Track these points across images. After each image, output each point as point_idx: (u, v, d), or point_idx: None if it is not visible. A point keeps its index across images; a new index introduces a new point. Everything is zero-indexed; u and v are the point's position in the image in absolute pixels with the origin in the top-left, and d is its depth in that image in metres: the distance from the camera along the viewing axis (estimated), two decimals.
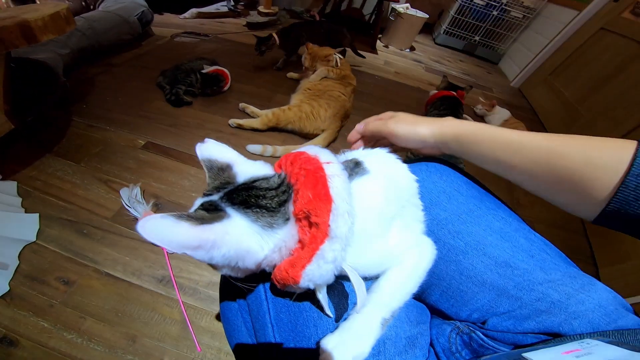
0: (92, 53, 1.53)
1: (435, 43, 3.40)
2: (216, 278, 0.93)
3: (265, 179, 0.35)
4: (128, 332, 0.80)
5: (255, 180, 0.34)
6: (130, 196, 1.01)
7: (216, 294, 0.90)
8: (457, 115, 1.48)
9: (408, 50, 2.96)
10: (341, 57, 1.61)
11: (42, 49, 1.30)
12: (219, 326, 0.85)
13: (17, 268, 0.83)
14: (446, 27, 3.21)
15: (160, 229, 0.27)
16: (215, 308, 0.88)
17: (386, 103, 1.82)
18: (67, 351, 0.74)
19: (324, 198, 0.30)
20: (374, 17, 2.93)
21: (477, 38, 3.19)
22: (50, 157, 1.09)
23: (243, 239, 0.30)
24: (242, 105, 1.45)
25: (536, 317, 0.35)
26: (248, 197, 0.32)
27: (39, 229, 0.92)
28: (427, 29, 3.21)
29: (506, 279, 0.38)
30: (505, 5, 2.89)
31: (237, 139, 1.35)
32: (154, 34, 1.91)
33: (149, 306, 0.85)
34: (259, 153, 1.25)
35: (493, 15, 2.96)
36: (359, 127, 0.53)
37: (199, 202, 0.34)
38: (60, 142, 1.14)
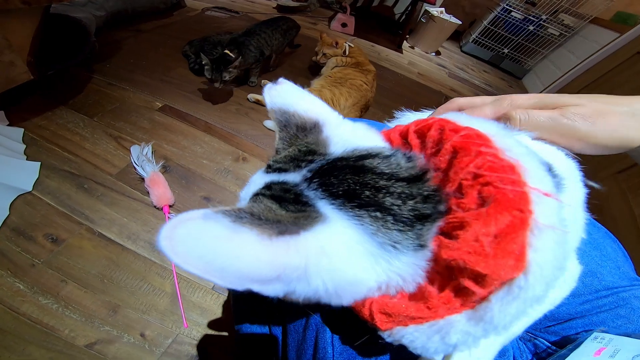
0: (124, 17, 1.41)
1: (462, 50, 3.14)
2: None
3: (385, 157, 0.19)
4: (111, 301, 0.64)
5: (366, 156, 0.19)
6: (140, 154, 0.86)
7: None
8: None
9: (433, 54, 2.73)
10: (351, 45, 1.42)
11: (80, 8, 1.20)
12: (210, 303, 0.69)
13: (5, 219, 0.69)
14: (476, 36, 2.93)
15: (203, 246, 0.13)
16: (210, 283, 0.71)
17: (407, 101, 1.66)
18: (38, 318, 0.60)
19: (512, 266, 0.14)
20: (404, 16, 2.69)
21: (505, 50, 2.88)
22: (63, 109, 0.96)
23: (349, 263, 0.16)
24: (264, 81, 1.30)
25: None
26: (359, 187, 0.17)
27: (37, 179, 0.77)
28: (455, 35, 2.95)
29: (588, 287, 0.29)
30: (544, 21, 2.57)
31: (256, 113, 1.19)
32: (186, 6, 1.77)
33: (139, 274, 0.69)
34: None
35: (528, 29, 2.65)
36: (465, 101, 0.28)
37: (260, 179, 0.20)
38: (76, 97, 1.01)
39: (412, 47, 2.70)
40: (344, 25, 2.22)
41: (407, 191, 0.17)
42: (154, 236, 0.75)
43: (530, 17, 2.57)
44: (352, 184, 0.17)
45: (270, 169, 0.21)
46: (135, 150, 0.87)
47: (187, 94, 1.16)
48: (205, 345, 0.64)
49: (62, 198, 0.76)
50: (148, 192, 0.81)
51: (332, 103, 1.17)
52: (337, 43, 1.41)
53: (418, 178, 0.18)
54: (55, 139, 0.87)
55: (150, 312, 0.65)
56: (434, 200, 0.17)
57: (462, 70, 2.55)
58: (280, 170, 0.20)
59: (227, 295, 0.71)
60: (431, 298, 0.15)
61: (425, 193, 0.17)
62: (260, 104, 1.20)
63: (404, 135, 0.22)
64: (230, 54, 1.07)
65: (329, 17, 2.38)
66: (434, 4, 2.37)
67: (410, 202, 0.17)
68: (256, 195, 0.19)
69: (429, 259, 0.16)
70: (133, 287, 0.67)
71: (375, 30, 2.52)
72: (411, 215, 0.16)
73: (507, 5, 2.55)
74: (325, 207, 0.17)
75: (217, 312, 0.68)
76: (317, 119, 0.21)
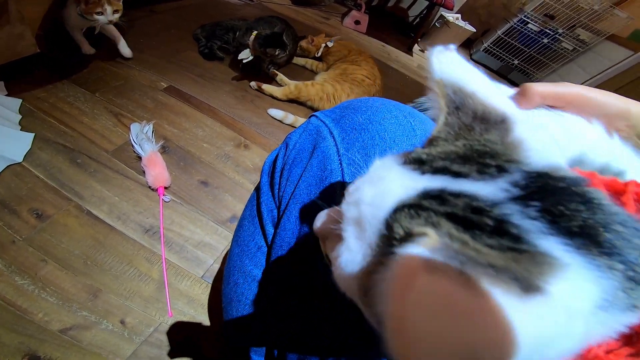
0: None
1: (471, 58, 3.01)
2: (209, 238, 0.69)
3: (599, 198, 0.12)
4: (92, 284, 0.58)
5: (581, 182, 0.12)
6: (140, 132, 0.79)
7: (205, 255, 0.66)
8: None
9: None
10: (329, 45, 1.38)
11: None
12: (198, 292, 0.62)
13: None
14: (488, 45, 2.81)
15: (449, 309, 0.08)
16: (199, 272, 0.63)
17: (410, 101, 1.53)
18: (12, 299, 0.53)
19: None
20: (418, 19, 2.58)
21: (515, 62, 2.75)
22: (65, 83, 0.89)
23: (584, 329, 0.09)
24: (272, 71, 1.22)
25: None
26: (600, 226, 0.10)
27: (29, 150, 0.70)
28: (467, 43, 2.85)
29: None
30: (560, 35, 2.44)
31: (261, 101, 1.12)
32: None
33: (126, 258, 0.62)
34: (279, 119, 1.06)
35: (543, 42, 2.52)
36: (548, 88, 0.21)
37: (401, 179, 0.12)
38: (81, 71, 0.94)
39: (423, 51, 2.59)
40: (357, 22, 2.13)
41: None
42: (145, 218, 0.68)
43: (546, 30, 2.45)
44: (588, 219, 0.11)
45: (424, 165, 0.13)
46: (135, 128, 0.80)
47: (193, 77, 1.09)
48: (189, 335, 0.57)
49: (52, 171, 0.69)
50: (144, 172, 0.74)
51: (333, 98, 1.12)
52: (312, 40, 1.37)
53: None
54: (53, 111, 0.80)
55: (133, 298, 0.58)
56: None
57: None
58: (450, 172, 0.12)
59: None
60: None
61: None
62: (262, 92, 1.13)
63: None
64: (285, 39, 1.08)
65: (342, 14, 2.29)
66: (451, 9, 2.26)
67: None
68: (411, 208, 0.12)
69: None
70: (118, 271, 0.60)
71: (387, 30, 2.43)
72: None
73: (524, 16, 2.44)
74: (554, 247, 0.11)
75: (204, 302, 0.61)
76: (505, 112, 0.14)
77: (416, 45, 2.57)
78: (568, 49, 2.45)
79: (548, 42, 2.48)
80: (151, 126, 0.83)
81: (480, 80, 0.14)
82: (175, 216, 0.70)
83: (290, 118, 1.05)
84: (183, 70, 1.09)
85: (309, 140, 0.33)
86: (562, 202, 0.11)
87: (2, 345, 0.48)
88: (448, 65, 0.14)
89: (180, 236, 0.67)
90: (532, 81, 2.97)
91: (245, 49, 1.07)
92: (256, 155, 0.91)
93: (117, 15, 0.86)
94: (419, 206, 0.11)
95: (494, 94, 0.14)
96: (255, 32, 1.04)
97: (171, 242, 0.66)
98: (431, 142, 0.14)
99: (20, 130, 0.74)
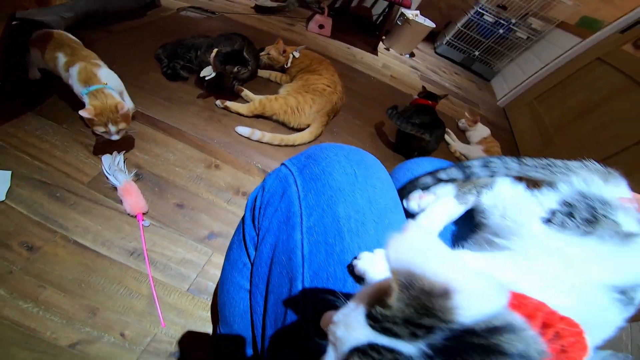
0: (95, 18, 1.38)
1: (436, 52, 3.23)
2: (190, 256, 0.81)
3: (516, 333, 0.18)
4: (89, 304, 0.69)
5: (500, 331, 0.17)
6: (112, 163, 0.88)
7: (187, 271, 0.79)
8: (435, 127, 1.33)
9: (408, 55, 2.80)
10: (295, 55, 1.46)
11: (47, 11, 1.16)
12: (186, 304, 0.75)
13: None
14: (449, 39, 3.03)
15: None
16: (185, 286, 0.76)
17: (377, 105, 1.70)
18: (20, 321, 0.64)
19: None
20: (381, 18, 2.70)
21: (476, 53, 3.00)
22: (31, 115, 0.95)
23: None
24: (237, 87, 1.32)
25: None
26: None
27: (9, 188, 0.77)
28: (431, 36, 3.05)
29: None
30: (513, 25, 2.70)
31: (228, 120, 1.23)
32: (160, 5, 1.72)
33: (116, 279, 0.73)
34: (247, 136, 1.16)
35: (498, 33, 2.77)
36: None
37: (361, 328, 0.19)
38: (44, 102, 1.00)
39: (388, 49, 2.75)
40: (321, 26, 2.23)
41: None
42: (128, 242, 0.79)
43: (500, 21, 2.70)
44: None
45: (376, 323, 0.18)
46: (106, 159, 0.89)
47: (159, 100, 1.18)
48: (183, 343, 0.69)
49: (34, 207, 0.78)
50: (121, 201, 0.83)
51: (297, 111, 1.22)
52: (285, 51, 1.45)
53: None
54: (25, 146, 0.87)
55: (128, 313, 0.70)
56: None
57: (434, 72, 2.65)
58: (390, 332, 0.17)
59: (203, 297, 0.76)
60: None
61: None
62: (228, 110, 1.23)
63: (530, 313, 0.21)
64: (246, 55, 1.16)
65: (307, 18, 2.36)
66: (409, 7, 2.41)
67: None
68: (359, 352, 0.18)
69: None
70: (110, 291, 0.71)
71: (352, 31, 2.55)
72: None
73: (480, 8, 2.66)
74: None
75: (193, 313, 0.74)
76: (447, 285, 0.17)
77: (381, 43, 2.71)
78: (522, 38, 2.68)
79: (503, 33, 2.72)
80: (122, 156, 0.92)
81: (435, 258, 0.17)
82: (156, 238, 0.81)
83: (257, 134, 1.15)
84: (147, 93, 1.17)
85: (280, 186, 0.44)
86: (461, 356, 0.16)
87: None
88: (401, 253, 0.17)
89: (163, 256, 0.79)
90: (493, 71, 2.96)
91: (208, 66, 1.15)
92: (227, 174, 1.03)
93: (122, 132, 0.87)
94: (365, 352, 0.18)
95: (444, 269, 0.17)
96: (215, 50, 1.13)
97: (155, 261, 0.78)
98: (390, 306, 0.18)
99: None
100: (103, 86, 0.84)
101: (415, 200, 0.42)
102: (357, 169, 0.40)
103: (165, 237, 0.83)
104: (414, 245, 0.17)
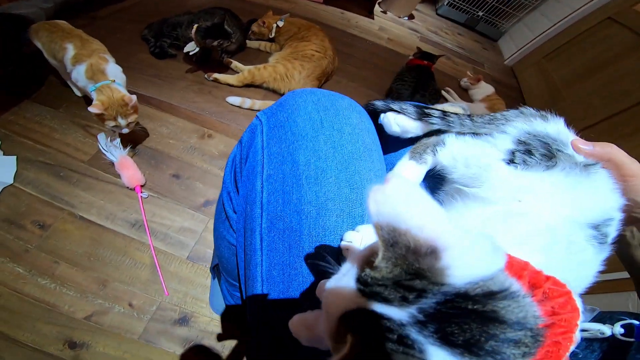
0: (76, 5, 1.34)
1: (437, 14, 2.94)
2: (187, 224, 0.82)
3: (514, 298, 0.17)
4: (99, 276, 0.73)
5: (492, 293, 0.16)
6: (107, 141, 0.88)
7: (186, 239, 0.80)
8: (426, 86, 1.37)
9: (406, 18, 2.53)
10: (279, 25, 1.41)
11: (25, 3, 1.15)
12: (187, 271, 0.76)
13: None
14: None
15: None
16: (184, 253, 0.77)
17: (373, 68, 1.64)
18: (40, 297, 0.69)
19: None
20: None
21: (480, 13, 2.69)
22: (29, 103, 0.98)
23: None
24: (226, 60, 1.29)
25: None
26: (484, 338, 0.16)
27: (16, 172, 0.81)
28: None
29: None
30: None
31: (218, 91, 1.20)
32: None
33: (121, 250, 0.76)
34: (238, 104, 1.16)
35: None
36: (600, 150, 0.32)
37: (352, 295, 0.17)
38: (39, 90, 1.03)
39: (385, 12, 2.49)
40: None
41: (525, 340, 0.17)
42: (130, 214, 0.81)
43: None
44: (476, 334, 0.15)
45: (366, 287, 0.17)
46: (102, 137, 0.90)
47: (149, 78, 1.17)
48: (186, 309, 0.71)
49: (41, 187, 0.82)
50: (119, 175, 0.84)
51: (287, 77, 1.21)
52: (264, 23, 1.42)
53: (536, 332, 0.17)
54: (26, 132, 0.91)
55: (134, 283, 0.73)
56: (537, 342, 0.17)
57: (435, 34, 2.42)
58: (379, 297, 0.17)
59: (201, 264, 0.76)
60: None
61: (535, 334, 0.17)
62: (218, 82, 1.21)
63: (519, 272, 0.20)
64: (227, 28, 1.13)
65: None
66: None
67: (524, 349, 0.17)
68: (349, 319, 0.18)
69: None
70: (117, 262, 0.74)
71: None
72: (518, 357, 0.17)
73: None
74: (437, 352, 0.15)
75: (193, 280, 0.76)
76: (434, 242, 0.16)
77: (377, 6, 2.46)
78: None
79: None
80: (116, 133, 0.91)
81: (419, 211, 0.16)
82: (155, 209, 0.83)
83: (247, 102, 1.15)
84: (137, 73, 1.16)
85: (250, 137, 0.43)
86: (455, 322, 0.15)
87: (45, 336, 0.66)
88: (383, 205, 0.16)
89: (162, 225, 0.80)
90: (500, 31, 2.87)
91: (191, 42, 1.13)
92: (220, 142, 1.00)
93: (132, 125, 0.86)
94: (355, 316, 0.17)
95: (430, 224, 0.16)
96: (195, 26, 1.10)
97: (156, 231, 0.79)
98: (378, 268, 0.17)
99: (3, 154, 0.84)
100: (110, 82, 0.83)
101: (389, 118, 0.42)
102: (325, 115, 0.38)
103: (164, 207, 0.84)
104: (396, 198, 0.16)
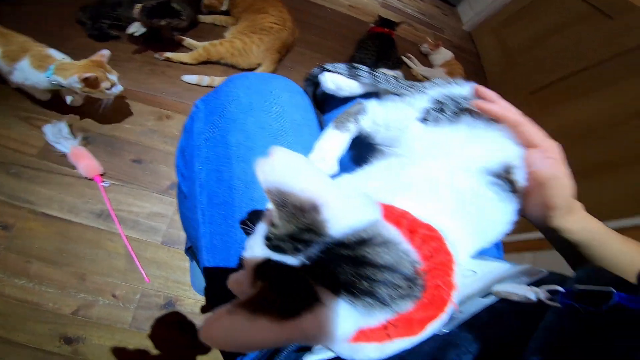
0: None
1: None
2: (156, 208, 0.81)
3: (385, 244, 0.20)
4: (76, 271, 0.74)
5: (366, 242, 0.20)
6: (55, 132, 0.83)
7: (158, 223, 0.80)
8: (388, 54, 1.41)
9: None
10: None
11: None
12: (163, 256, 0.77)
13: None
14: None
15: (233, 332, 0.18)
16: (158, 238, 0.78)
17: (336, 36, 1.58)
18: (22, 296, 0.69)
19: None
20: None
21: None
22: None
23: (338, 327, 0.19)
24: (177, 37, 1.19)
25: None
26: (357, 279, 0.19)
27: None
28: None
29: None
30: None
31: (173, 70, 1.12)
32: None
33: (92, 243, 0.76)
34: (195, 82, 1.10)
35: None
36: (508, 113, 0.34)
37: (260, 248, 0.21)
38: None
39: None
40: None
41: (400, 283, 0.19)
42: (93, 205, 0.80)
43: None
44: (350, 276, 0.19)
45: (269, 242, 0.21)
46: (48, 129, 0.86)
47: None
48: (170, 294, 0.73)
49: None
50: (74, 166, 0.80)
51: (245, 52, 1.16)
52: None
53: (413, 275, 0.20)
54: None
55: (113, 274, 0.74)
56: (417, 285, 0.20)
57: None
58: (279, 249, 0.20)
59: (177, 247, 0.77)
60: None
61: (415, 287, 0.20)
62: (170, 60, 1.13)
63: (396, 219, 0.23)
64: (175, 5, 1.06)
65: None
66: None
67: (400, 291, 0.19)
68: (259, 267, 0.21)
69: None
70: (91, 255, 0.75)
71: None
72: (395, 299, 0.20)
73: None
74: (323, 291, 0.19)
75: (172, 264, 0.77)
76: (314, 200, 0.19)
77: None
78: None
79: None
80: (64, 124, 0.87)
81: (301, 176, 0.19)
82: (120, 197, 0.81)
83: (205, 80, 1.09)
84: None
85: (190, 124, 0.46)
86: (333, 266, 0.19)
87: (39, 335, 0.67)
88: (269, 174, 0.19)
89: (130, 213, 0.80)
90: None
91: (135, 22, 1.03)
92: (180, 122, 0.98)
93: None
94: (262, 267, 0.21)
95: (310, 186, 0.19)
96: (139, 5, 1.00)
97: (124, 220, 0.79)
98: (276, 226, 0.21)
99: None
100: (62, 59, 0.80)
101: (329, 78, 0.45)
102: (254, 98, 0.41)
103: (129, 194, 0.82)
104: (280, 166, 0.19)
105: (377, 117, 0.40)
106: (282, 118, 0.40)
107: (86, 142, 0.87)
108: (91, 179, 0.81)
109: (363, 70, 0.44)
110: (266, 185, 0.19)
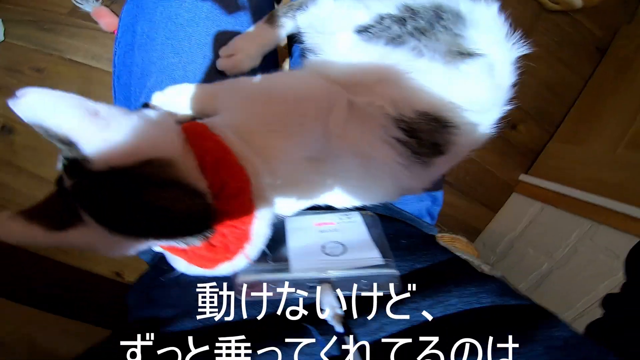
0: None
1: None
2: None
3: (157, 176, 0.23)
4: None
5: (129, 173, 0.22)
6: None
7: None
8: None
9: None
10: None
11: None
12: None
13: None
14: None
15: (10, 235, 0.21)
16: None
17: None
18: None
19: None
20: None
21: None
22: None
23: (105, 245, 0.23)
24: None
25: None
26: (118, 209, 0.22)
27: (4, 30, 0.85)
28: None
29: None
30: None
31: None
32: None
33: (110, 85, 0.78)
34: None
35: None
36: None
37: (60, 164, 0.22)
38: None
39: None
40: None
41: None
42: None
43: None
44: (112, 205, 0.20)
45: (63, 159, 0.22)
46: None
47: None
48: None
49: (30, 39, 0.88)
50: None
51: None
52: None
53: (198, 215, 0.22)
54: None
55: None
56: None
57: None
58: (65, 167, 0.22)
59: None
60: None
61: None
62: None
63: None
64: None
65: None
66: None
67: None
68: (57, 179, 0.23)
69: None
70: (108, 97, 0.77)
71: None
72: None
73: None
74: (84, 214, 0.21)
75: None
76: (69, 137, 0.20)
77: None
78: None
79: None
80: None
81: (54, 113, 0.20)
82: None
83: None
84: None
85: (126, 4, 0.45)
86: (96, 194, 0.20)
87: None
88: (24, 112, 0.19)
89: None
90: None
91: None
92: None
93: None
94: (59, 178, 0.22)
95: (63, 123, 0.20)
96: None
97: None
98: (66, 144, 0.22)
99: None
100: None
101: None
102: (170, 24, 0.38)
103: None
104: (35, 105, 0.20)
105: (317, 16, 0.34)
106: (195, 7, 0.37)
107: (110, 2, 0.89)
108: (112, 33, 0.86)
109: None
110: (29, 121, 0.20)
